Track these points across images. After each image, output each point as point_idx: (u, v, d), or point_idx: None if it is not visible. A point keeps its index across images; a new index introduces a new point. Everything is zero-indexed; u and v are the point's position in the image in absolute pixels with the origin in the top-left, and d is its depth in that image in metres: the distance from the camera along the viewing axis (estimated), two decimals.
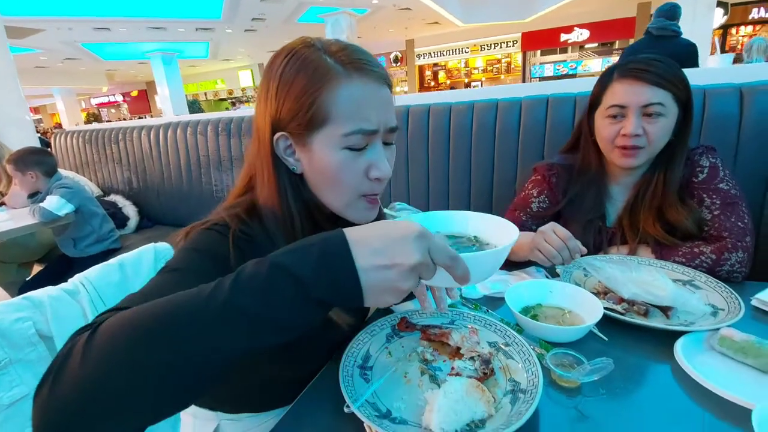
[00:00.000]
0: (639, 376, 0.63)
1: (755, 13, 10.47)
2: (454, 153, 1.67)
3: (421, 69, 13.65)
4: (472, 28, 11.11)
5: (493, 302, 0.86)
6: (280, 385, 0.70)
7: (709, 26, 7.06)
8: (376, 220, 0.69)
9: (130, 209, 2.74)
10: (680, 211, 0.94)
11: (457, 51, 12.93)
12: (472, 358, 0.61)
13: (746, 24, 10.58)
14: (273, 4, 7.96)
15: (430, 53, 13.27)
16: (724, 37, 10.27)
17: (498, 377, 0.60)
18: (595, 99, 1.01)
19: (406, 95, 2.19)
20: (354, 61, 0.56)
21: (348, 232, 0.39)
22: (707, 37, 7.10)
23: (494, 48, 12.40)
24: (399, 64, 13.38)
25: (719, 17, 9.23)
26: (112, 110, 19.67)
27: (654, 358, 0.66)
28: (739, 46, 9.82)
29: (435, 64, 13.47)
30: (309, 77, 0.54)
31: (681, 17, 2.91)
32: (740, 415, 0.52)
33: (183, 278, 0.48)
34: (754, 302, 0.76)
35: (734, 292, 0.76)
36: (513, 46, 12.08)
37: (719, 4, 8.36)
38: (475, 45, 12.54)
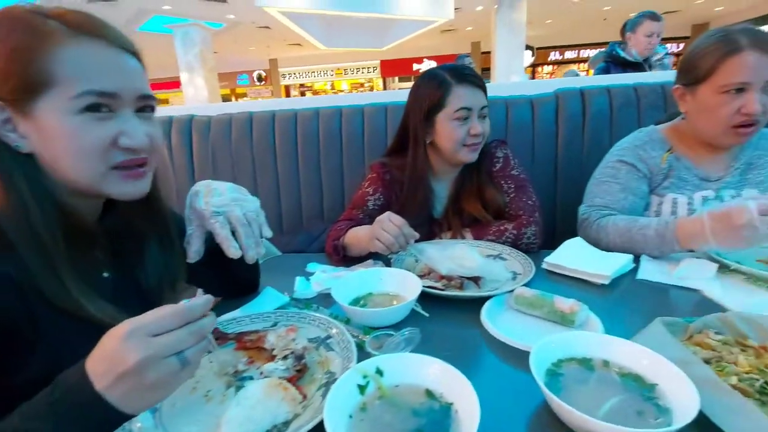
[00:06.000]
0: (454, 343, 0.65)
1: (552, 56, 13.50)
2: (303, 159, 1.62)
3: (287, 89, 13.55)
4: (335, 53, 11.56)
5: (329, 299, 0.82)
6: None
7: (521, 65, 8.82)
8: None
9: None
10: (494, 191, 1.08)
11: (322, 73, 13.25)
12: (285, 357, 0.55)
13: (547, 64, 13.52)
14: (104, 7, 6.91)
15: (295, 73, 13.29)
16: (533, 75, 12.83)
17: (314, 372, 0.55)
18: (435, 105, 1.03)
19: (246, 102, 2.09)
20: (84, 23, 0.50)
21: (87, 363, 0.39)
22: (521, 73, 8.83)
23: (357, 72, 13.11)
24: (264, 83, 13.03)
25: (529, 58, 11.57)
26: None
27: (468, 324, 0.70)
28: None
29: (301, 85, 13.54)
30: (26, 36, 0.48)
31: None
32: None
33: None
34: (544, 265, 0.89)
35: (529, 258, 0.87)
36: (374, 72, 12.97)
37: (528, 48, 10.51)
38: (339, 68, 13.06)
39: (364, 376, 0.49)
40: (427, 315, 0.71)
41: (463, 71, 1.04)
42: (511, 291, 0.72)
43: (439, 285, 0.77)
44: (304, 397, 0.50)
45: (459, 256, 0.79)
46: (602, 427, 0.40)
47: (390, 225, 0.84)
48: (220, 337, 0.63)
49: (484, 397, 0.50)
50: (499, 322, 0.67)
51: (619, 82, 1.51)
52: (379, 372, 0.50)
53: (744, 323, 0.57)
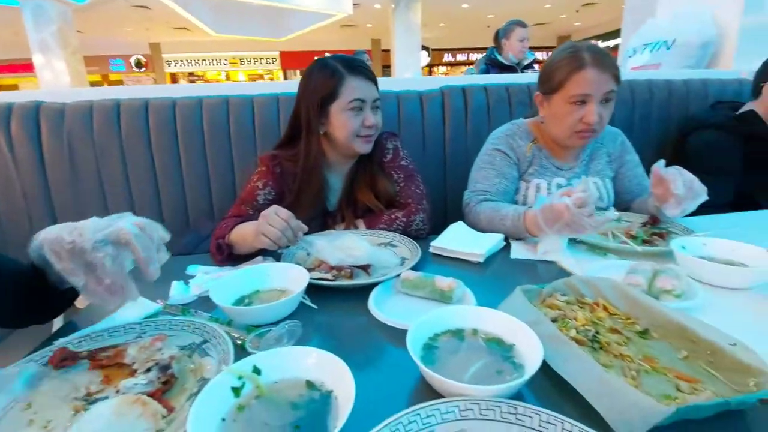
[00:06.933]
0: (343, 332, 0.66)
1: (446, 57, 14.47)
2: (185, 153, 1.47)
3: (174, 77, 12.23)
4: (231, 41, 10.75)
5: (211, 302, 0.76)
6: None
7: (418, 64, 9.31)
8: None
9: None
10: (386, 180, 1.11)
11: (216, 62, 12.25)
12: (147, 370, 0.49)
13: (441, 65, 14.46)
14: None
15: (183, 60, 12.05)
16: (430, 73, 13.60)
17: (185, 381, 0.50)
18: (328, 95, 1.01)
19: (111, 87, 1.84)
20: None
21: None
22: (418, 71, 9.33)
23: (255, 63, 12.40)
24: (144, 69, 11.56)
25: (425, 58, 12.26)
26: None
27: (358, 311, 0.70)
28: None
29: (191, 74, 12.34)
30: None
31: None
32: None
33: None
34: (431, 249, 0.94)
35: (416, 244, 0.92)
36: (273, 63, 12.41)
37: (424, 48, 11.13)
38: (234, 58, 12.20)
39: (239, 377, 0.46)
40: (315, 307, 0.70)
41: (355, 63, 1.04)
42: (398, 275, 0.75)
43: (328, 276, 0.76)
44: (171, 410, 0.45)
45: (348, 246, 0.79)
46: (465, 389, 0.43)
47: (276, 219, 0.81)
48: (69, 357, 0.53)
49: (369, 378, 0.52)
50: (387, 307, 0.69)
51: (494, 81, 1.68)
52: (257, 370, 0.47)
53: (583, 285, 0.67)
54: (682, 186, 0.91)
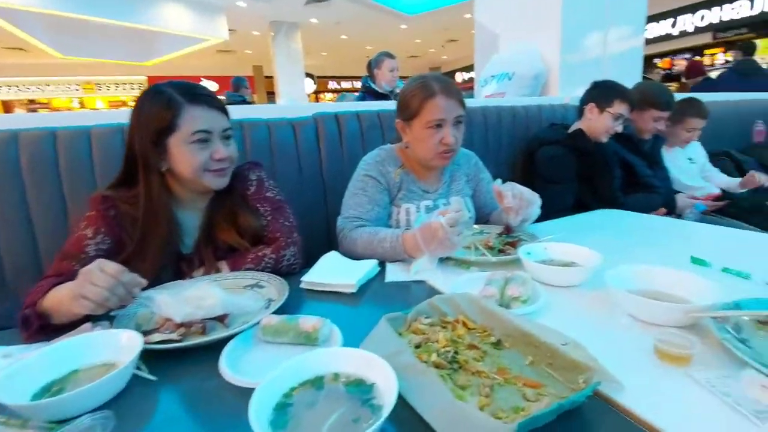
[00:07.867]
0: (193, 404, 0.56)
1: (331, 85, 14.91)
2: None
3: (8, 106, 10.15)
4: (83, 63, 9.35)
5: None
6: None
7: (302, 91, 9.37)
8: None
9: None
10: (250, 215, 1.01)
11: (65, 87, 10.54)
12: None
13: (327, 92, 14.84)
14: None
15: (19, 86, 10.09)
16: (317, 100, 13.81)
17: None
18: (164, 127, 0.88)
19: None
20: None
21: None
22: (304, 98, 9.39)
23: (117, 88, 11.02)
24: None
25: (311, 85, 12.42)
26: None
27: (212, 374, 0.60)
28: None
29: (32, 101, 10.39)
30: None
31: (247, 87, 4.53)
32: None
33: None
34: (302, 285, 0.89)
35: (284, 281, 0.85)
36: (140, 88, 11.19)
37: (309, 75, 11.26)
38: (89, 83, 10.66)
39: None
40: (153, 379, 0.58)
41: (195, 89, 0.93)
42: (259, 322, 0.67)
43: (174, 336, 0.65)
44: None
45: (197, 296, 0.69)
46: None
47: (101, 276, 0.67)
48: None
49: None
50: (245, 362, 0.61)
51: (365, 108, 1.73)
52: None
53: (444, 304, 0.69)
54: (512, 198, 1.04)
